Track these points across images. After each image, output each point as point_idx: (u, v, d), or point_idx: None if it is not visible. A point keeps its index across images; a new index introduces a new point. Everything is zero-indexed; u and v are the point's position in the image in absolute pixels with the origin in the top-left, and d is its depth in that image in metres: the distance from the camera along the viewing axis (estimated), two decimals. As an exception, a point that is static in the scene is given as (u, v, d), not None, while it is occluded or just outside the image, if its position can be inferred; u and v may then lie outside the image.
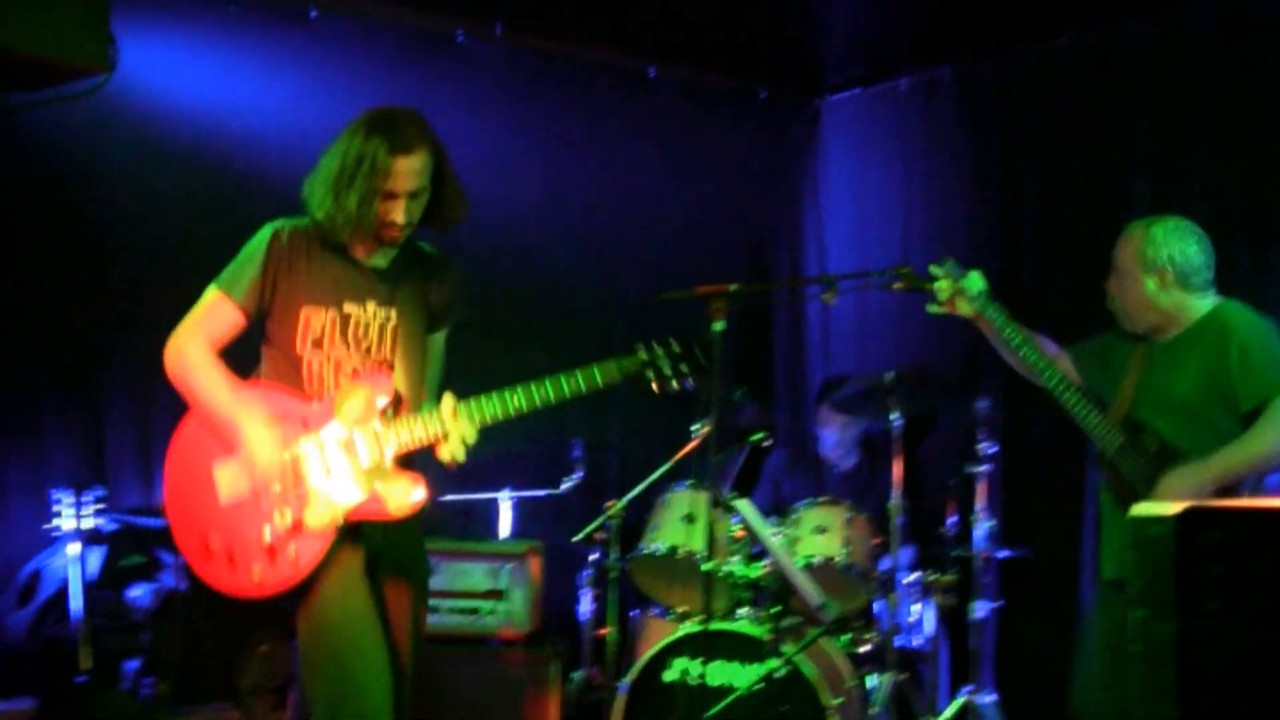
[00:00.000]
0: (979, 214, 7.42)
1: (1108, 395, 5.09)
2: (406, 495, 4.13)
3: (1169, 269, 4.90)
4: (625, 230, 7.96)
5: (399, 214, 4.16)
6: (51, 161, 6.44)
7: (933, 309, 5.21)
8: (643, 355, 4.29)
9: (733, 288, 4.77)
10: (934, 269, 5.19)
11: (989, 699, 6.28)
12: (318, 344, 4.24)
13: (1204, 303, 4.97)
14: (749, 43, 7.92)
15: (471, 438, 4.16)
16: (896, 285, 5.30)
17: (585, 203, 7.90)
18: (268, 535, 4.09)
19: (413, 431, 4.17)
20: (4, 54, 3.37)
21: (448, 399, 4.19)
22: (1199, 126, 6.58)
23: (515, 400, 4.17)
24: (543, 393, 4.17)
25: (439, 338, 4.49)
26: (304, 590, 4.10)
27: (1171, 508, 2.84)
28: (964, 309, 5.15)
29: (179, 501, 4.28)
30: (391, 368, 4.28)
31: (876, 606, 6.38)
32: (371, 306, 4.30)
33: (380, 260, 4.34)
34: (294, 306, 4.24)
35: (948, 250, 7.30)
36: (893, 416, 6.26)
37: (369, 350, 4.28)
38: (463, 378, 4.44)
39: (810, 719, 5.58)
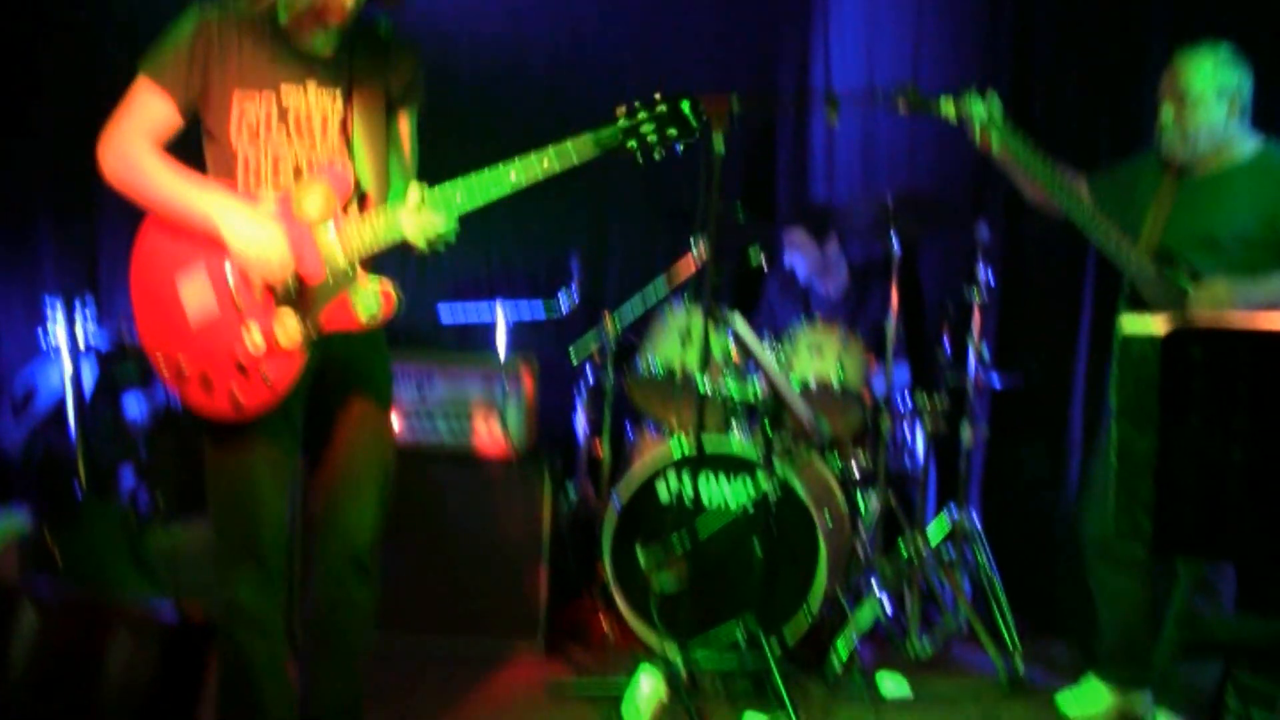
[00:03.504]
0: (992, 32, 7.24)
1: (1130, 226, 4.98)
2: (376, 302, 3.84)
3: (1238, 97, 4.83)
4: (627, 42, 7.78)
5: None
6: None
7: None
8: (623, 122, 3.93)
9: (733, 99, 4.68)
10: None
11: (974, 521, 6.32)
12: (254, 135, 3.86)
13: (1250, 140, 4.90)
14: None
15: (444, 228, 3.81)
16: (899, 104, 5.23)
17: (584, 12, 7.74)
18: (239, 355, 3.79)
19: (376, 229, 3.83)
20: None
21: (414, 189, 3.84)
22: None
23: (486, 183, 3.81)
24: (515, 173, 3.81)
25: (405, 122, 4.12)
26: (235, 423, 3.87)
27: (1158, 325, 2.82)
28: (993, 140, 5.07)
29: (148, 323, 3.89)
30: (345, 159, 3.94)
31: (868, 428, 6.40)
32: (312, 89, 3.91)
33: (322, 45, 3.94)
34: (226, 93, 3.85)
35: (959, 69, 7.25)
36: (892, 241, 6.23)
37: (314, 143, 3.92)
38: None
39: (802, 536, 5.65)
